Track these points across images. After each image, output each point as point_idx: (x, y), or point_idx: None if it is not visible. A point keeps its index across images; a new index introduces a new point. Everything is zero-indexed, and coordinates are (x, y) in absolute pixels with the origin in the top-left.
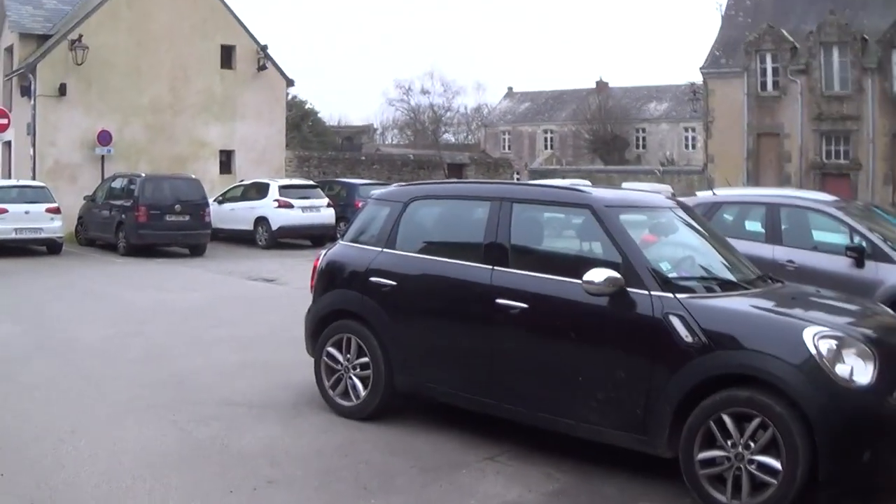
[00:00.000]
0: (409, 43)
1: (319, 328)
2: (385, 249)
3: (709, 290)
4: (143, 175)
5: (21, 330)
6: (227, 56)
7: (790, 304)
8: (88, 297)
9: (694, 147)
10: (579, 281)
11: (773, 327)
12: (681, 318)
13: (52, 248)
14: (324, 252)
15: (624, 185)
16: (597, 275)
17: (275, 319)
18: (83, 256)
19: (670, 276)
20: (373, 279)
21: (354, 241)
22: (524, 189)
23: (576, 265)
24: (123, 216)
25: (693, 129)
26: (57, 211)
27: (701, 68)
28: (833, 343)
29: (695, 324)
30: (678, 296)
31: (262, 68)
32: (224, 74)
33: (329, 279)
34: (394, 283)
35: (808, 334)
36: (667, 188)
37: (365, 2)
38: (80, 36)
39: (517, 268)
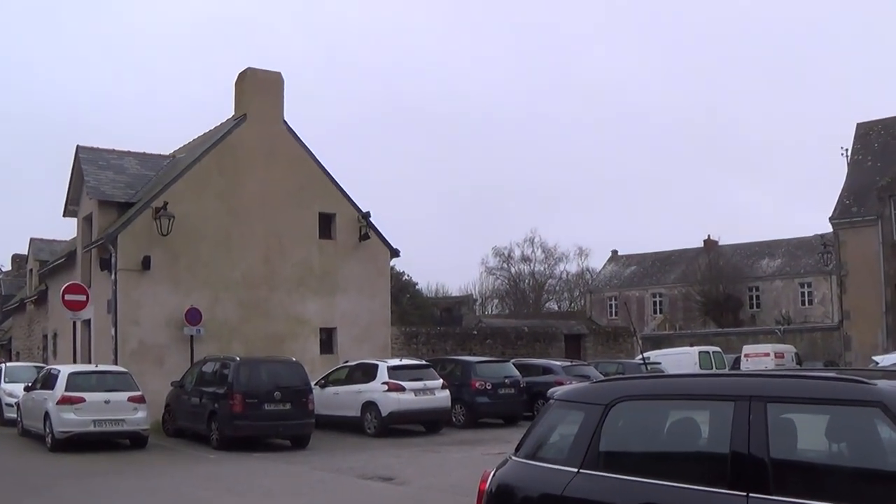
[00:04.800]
0: (508, 209)
1: None
2: (583, 470)
3: None
4: (238, 358)
5: None
6: (325, 225)
7: None
8: None
9: (811, 303)
10: None
11: None
12: None
13: (136, 441)
14: (492, 472)
15: (745, 348)
16: None
17: None
18: (171, 451)
19: None
20: None
21: (534, 457)
22: (780, 383)
23: (867, 487)
24: (216, 405)
25: (809, 285)
26: (141, 400)
27: (831, 219)
28: None
29: None
30: None
31: (364, 238)
32: (323, 245)
33: None
34: None
35: None
36: (790, 348)
37: (458, 165)
38: (166, 203)
39: (782, 494)
